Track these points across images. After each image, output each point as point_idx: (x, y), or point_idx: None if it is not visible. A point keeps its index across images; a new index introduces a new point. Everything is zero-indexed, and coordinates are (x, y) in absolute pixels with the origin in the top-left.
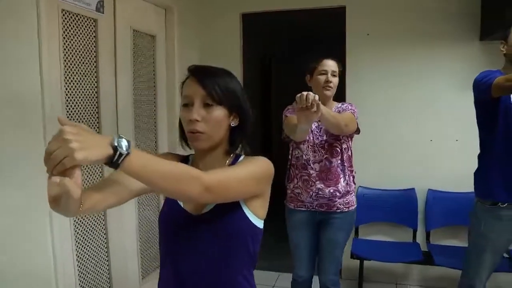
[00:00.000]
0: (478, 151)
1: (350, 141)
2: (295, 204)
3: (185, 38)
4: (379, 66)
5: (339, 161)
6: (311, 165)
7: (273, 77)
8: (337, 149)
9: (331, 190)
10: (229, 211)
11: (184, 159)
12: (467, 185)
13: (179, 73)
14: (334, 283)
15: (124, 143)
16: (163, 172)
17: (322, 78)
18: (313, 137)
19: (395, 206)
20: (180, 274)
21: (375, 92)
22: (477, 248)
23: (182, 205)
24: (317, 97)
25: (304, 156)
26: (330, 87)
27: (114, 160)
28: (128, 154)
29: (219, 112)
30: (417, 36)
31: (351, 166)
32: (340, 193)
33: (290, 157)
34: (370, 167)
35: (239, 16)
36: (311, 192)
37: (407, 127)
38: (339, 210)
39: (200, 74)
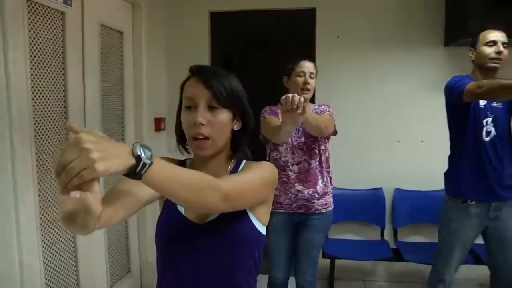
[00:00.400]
0: (443, 151)
1: (327, 143)
2: (273, 206)
3: (152, 35)
4: (349, 68)
5: (317, 163)
6: (290, 166)
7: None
8: (316, 150)
9: (310, 192)
10: (235, 218)
11: (181, 164)
12: (432, 184)
13: (147, 70)
14: (311, 284)
15: (147, 152)
16: (185, 182)
17: (300, 79)
18: (291, 139)
19: (364, 205)
20: (183, 285)
21: (344, 94)
22: (447, 245)
23: (183, 213)
24: (302, 99)
25: (282, 158)
26: (308, 89)
27: (137, 171)
28: (151, 164)
29: (225, 116)
30: (386, 40)
31: (328, 167)
32: (318, 194)
33: (268, 159)
34: (338, 168)
35: (208, 14)
36: (290, 194)
37: (375, 128)
38: (317, 212)
39: (205, 74)
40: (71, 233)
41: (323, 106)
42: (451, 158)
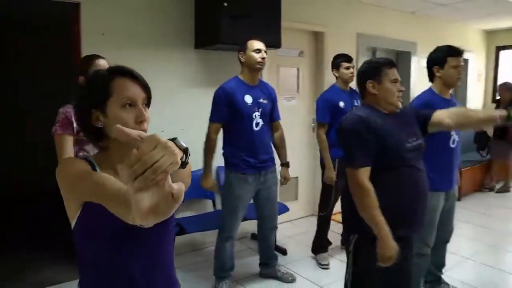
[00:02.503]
0: (200, 137)
1: None
2: None
3: None
4: (115, 64)
5: None
6: None
7: None
8: None
9: None
10: None
11: (89, 162)
12: (194, 165)
13: None
14: None
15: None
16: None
17: None
18: None
19: None
20: (135, 276)
21: None
22: (233, 208)
23: None
24: None
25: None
26: None
27: (185, 161)
28: None
29: (148, 112)
30: (147, 40)
31: None
32: None
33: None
34: None
35: None
36: None
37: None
38: None
39: (138, 76)
40: (148, 225)
41: None
42: (226, 145)
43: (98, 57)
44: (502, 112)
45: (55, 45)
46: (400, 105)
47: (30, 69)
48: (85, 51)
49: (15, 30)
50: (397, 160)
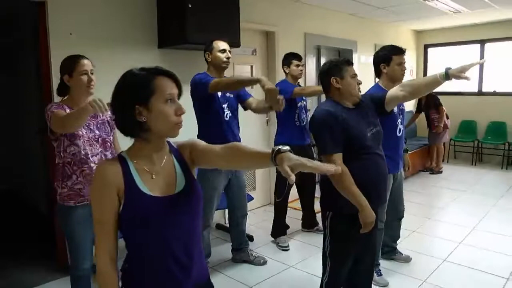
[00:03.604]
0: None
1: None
2: (76, 200)
3: None
4: None
5: (110, 154)
6: (90, 158)
7: None
8: (108, 143)
9: None
10: (193, 179)
11: (120, 158)
12: None
13: None
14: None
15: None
16: None
17: (84, 78)
18: (86, 132)
19: None
20: (176, 255)
21: None
22: (208, 197)
23: (151, 193)
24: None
25: (82, 151)
26: (93, 85)
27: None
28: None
29: None
30: (113, 40)
31: None
32: None
33: (62, 155)
34: None
35: None
36: None
37: None
38: None
39: (173, 75)
40: None
41: None
42: (201, 133)
43: (82, 57)
44: (440, 72)
45: (22, 45)
46: (360, 95)
47: None
48: (55, 52)
49: None
50: (361, 148)
